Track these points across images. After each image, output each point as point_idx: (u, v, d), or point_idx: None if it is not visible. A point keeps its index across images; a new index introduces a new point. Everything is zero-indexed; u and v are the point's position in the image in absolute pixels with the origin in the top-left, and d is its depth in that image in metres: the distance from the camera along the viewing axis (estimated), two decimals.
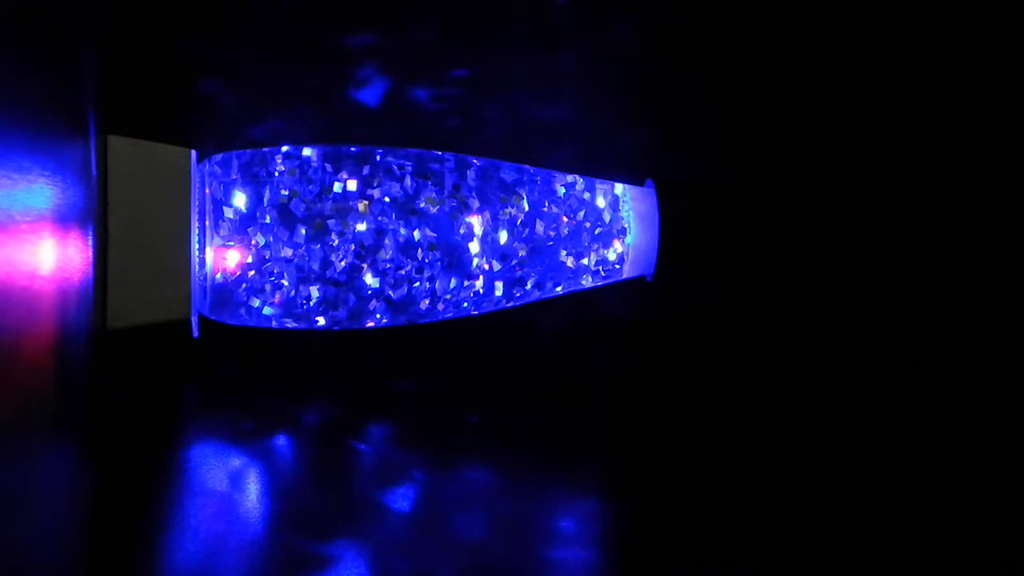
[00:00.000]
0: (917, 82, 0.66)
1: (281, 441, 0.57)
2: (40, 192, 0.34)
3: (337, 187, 0.53)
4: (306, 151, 0.53)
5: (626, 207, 0.57)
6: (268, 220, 0.52)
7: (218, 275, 0.52)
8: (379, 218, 0.52)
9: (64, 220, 0.39)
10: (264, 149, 0.54)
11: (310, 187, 0.52)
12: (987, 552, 0.52)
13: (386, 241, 0.53)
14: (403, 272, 0.53)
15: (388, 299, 0.53)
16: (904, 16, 0.65)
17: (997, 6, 0.65)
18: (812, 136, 0.66)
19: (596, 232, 0.56)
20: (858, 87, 0.66)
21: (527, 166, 0.56)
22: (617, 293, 0.61)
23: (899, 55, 0.66)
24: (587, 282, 0.57)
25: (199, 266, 0.51)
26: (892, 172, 0.67)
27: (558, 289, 0.57)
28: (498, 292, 0.55)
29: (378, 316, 0.54)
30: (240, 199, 0.52)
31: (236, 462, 0.55)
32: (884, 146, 0.67)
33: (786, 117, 0.66)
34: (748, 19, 0.65)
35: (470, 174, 0.54)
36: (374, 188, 0.53)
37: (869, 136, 0.67)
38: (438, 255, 0.53)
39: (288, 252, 0.52)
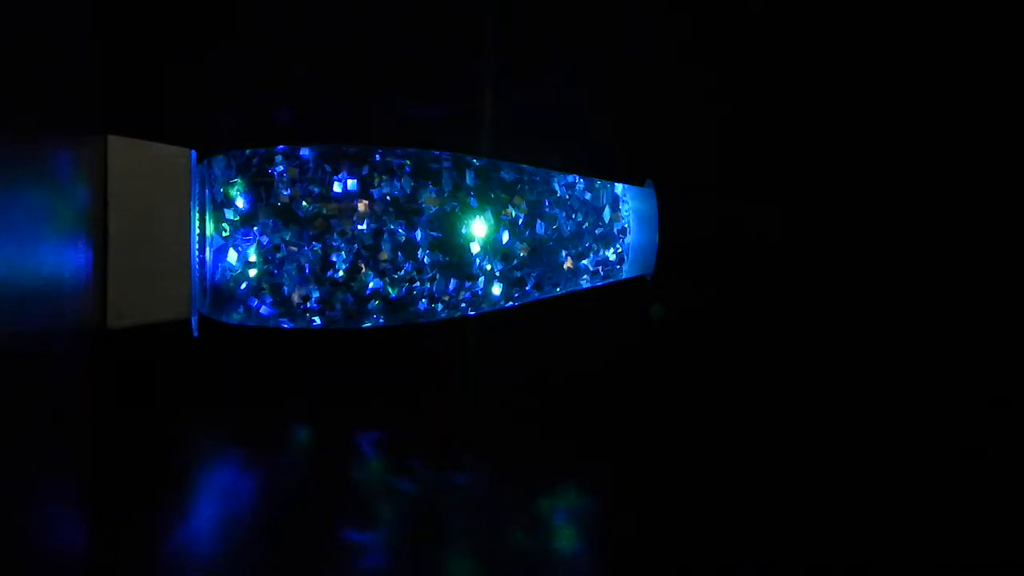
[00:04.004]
0: (911, 84, 0.66)
1: (280, 439, 0.57)
2: (40, 192, 0.34)
3: (337, 187, 0.53)
4: (305, 151, 0.53)
5: (626, 207, 0.57)
6: (268, 220, 0.52)
7: (217, 274, 0.52)
8: (379, 218, 0.52)
9: (64, 220, 0.39)
10: (263, 149, 0.54)
11: (310, 187, 0.52)
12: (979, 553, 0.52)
13: (386, 241, 0.53)
14: (402, 272, 0.53)
15: (387, 299, 0.53)
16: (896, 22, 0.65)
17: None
18: (811, 136, 0.67)
19: (596, 232, 0.56)
20: (856, 90, 0.66)
21: (527, 166, 0.56)
22: (616, 293, 0.61)
23: (892, 59, 0.66)
24: (587, 282, 0.57)
25: (199, 266, 0.51)
26: (889, 173, 0.67)
27: (558, 289, 0.57)
28: (497, 292, 0.55)
29: (375, 317, 0.54)
30: (240, 199, 0.52)
31: (236, 461, 0.55)
32: (879, 148, 0.67)
33: (785, 117, 0.66)
34: (750, 20, 0.65)
35: (470, 174, 0.54)
36: (374, 188, 0.53)
37: (864, 138, 0.67)
38: (438, 255, 0.53)
39: (288, 252, 0.52)
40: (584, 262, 0.56)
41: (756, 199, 0.66)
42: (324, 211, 0.52)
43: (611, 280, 0.58)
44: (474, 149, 0.57)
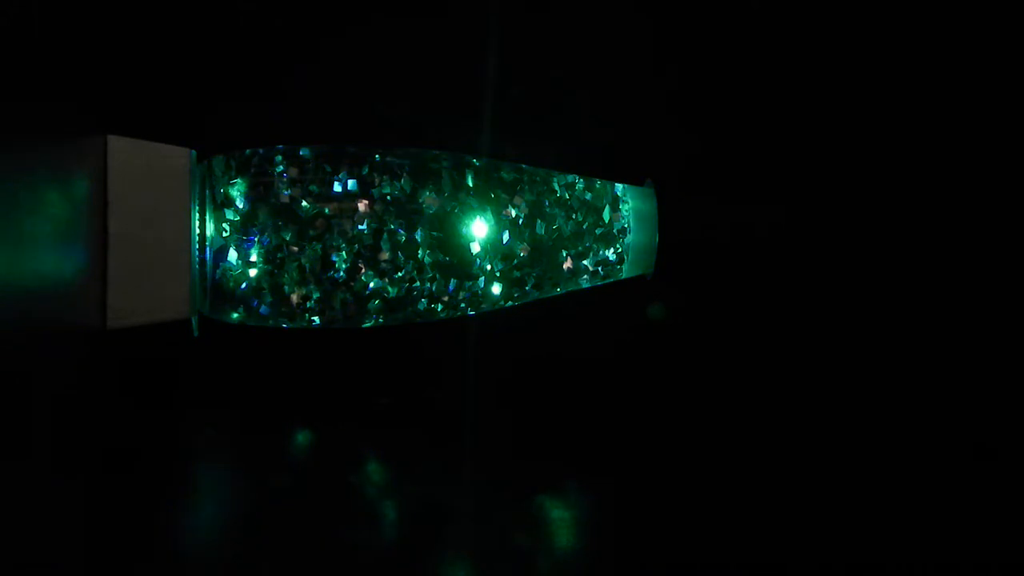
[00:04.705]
0: (914, 85, 0.66)
1: (280, 439, 0.57)
2: (40, 192, 0.34)
3: (337, 187, 0.53)
4: (305, 151, 0.53)
5: (626, 207, 0.57)
6: (268, 220, 0.52)
7: (217, 274, 0.52)
8: (379, 218, 0.53)
9: (64, 220, 0.39)
10: (263, 149, 0.54)
11: (310, 187, 0.52)
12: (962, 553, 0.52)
13: (385, 241, 0.53)
14: (402, 272, 0.53)
15: (387, 299, 0.53)
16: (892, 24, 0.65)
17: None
18: (811, 136, 0.67)
19: (596, 232, 0.56)
20: (858, 90, 0.66)
21: (527, 166, 0.56)
22: (616, 293, 0.61)
23: (892, 59, 0.66)
24: (587, 282, 0.57)
25: (199, 266, 0.51)
26: (890, 173, 0.67)
27: (558, 289, 0.57)
28: (497, 292, 0.55)
29: (375, 316, 0.54)
30: (240, 199, 0.52)
31: (236, 461, 0.55)
32: (880, 149, 0.67)
33: (785, 117, 0.66)
34: (749, 19, 0.65)
35: (470, 174, 0.54)
36: (374, 188, 0.53)
37: (865, 139, 0.67)
38: (438, 255, 0.53)
39: (288, 252, 0.52)
40: (584, 262, 0.56)
41: (756, 199, 0.66)
42: (324, 211, 0.52)
43: (611, 280, 0.58)
44: (474, 149, 0.57)
